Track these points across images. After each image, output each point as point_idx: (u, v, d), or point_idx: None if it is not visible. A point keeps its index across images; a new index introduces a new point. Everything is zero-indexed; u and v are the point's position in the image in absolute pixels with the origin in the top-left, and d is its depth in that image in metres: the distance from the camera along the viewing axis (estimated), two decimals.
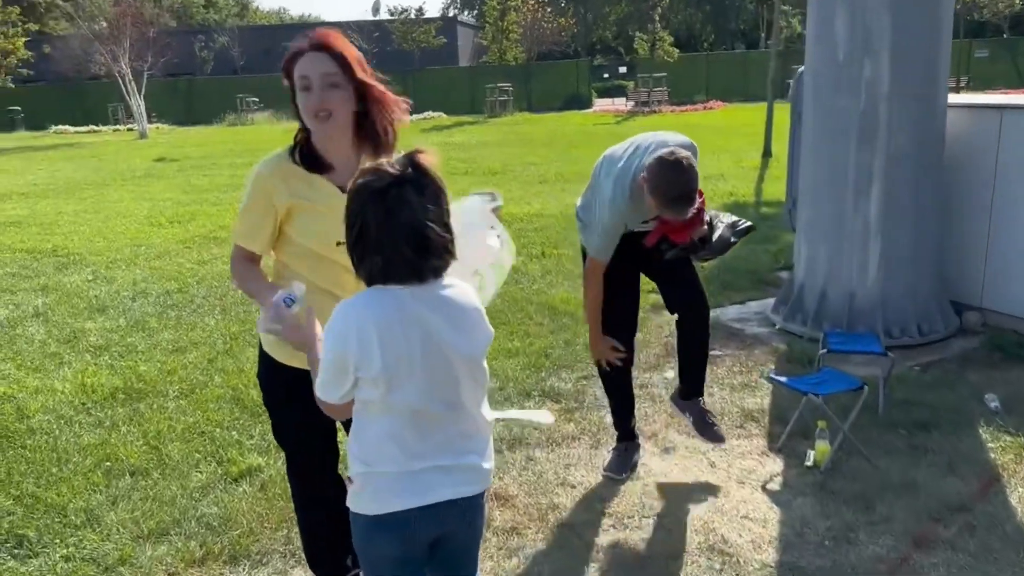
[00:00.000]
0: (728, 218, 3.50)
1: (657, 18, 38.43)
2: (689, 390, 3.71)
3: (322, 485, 2.47)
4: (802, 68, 5.43)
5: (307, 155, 2.20)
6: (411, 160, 1.68)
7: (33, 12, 38.92)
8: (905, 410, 4.04)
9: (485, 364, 1.80)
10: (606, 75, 48.78)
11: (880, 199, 4.94)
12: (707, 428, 3.60)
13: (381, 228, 1.64)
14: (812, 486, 3.40)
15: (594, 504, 3.31)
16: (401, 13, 39.57)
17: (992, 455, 3.60)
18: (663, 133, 3.27)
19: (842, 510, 3.20)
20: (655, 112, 28.55)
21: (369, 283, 1.70)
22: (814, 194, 5.31)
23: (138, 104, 27.92)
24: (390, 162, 1.69)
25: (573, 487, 3.44)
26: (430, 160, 1.69)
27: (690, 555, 2.96)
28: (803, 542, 3.01)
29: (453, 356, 1.73)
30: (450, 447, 1.77)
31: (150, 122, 29.30)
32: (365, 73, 2.17)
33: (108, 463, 3.63)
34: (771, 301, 5.75)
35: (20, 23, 24.78)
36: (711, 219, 3.42)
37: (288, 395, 2.29)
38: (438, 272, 1.72)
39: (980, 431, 3.82)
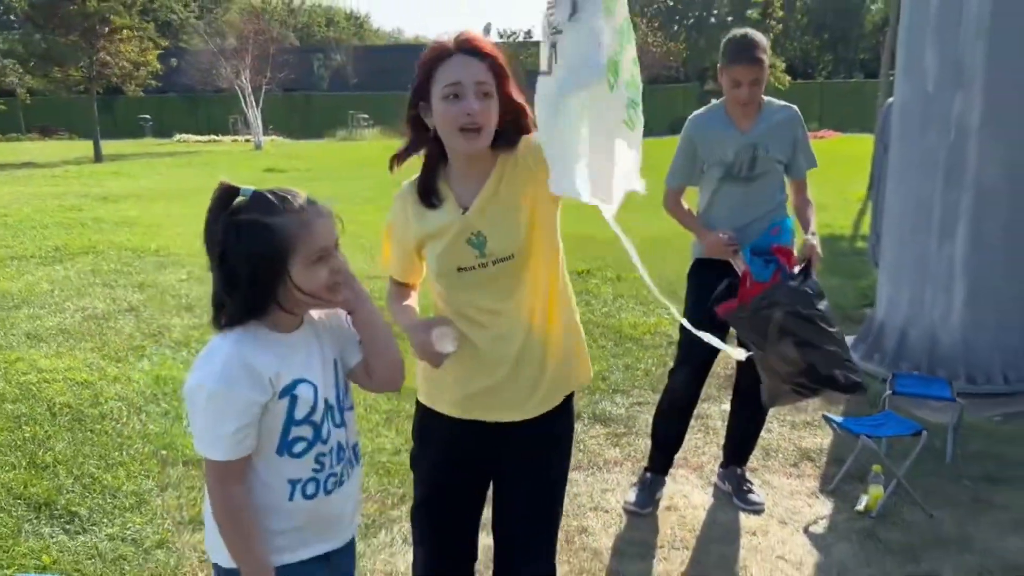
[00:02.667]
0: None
1: (768, 45, 37.66)
2: (729, 459, 3.61)
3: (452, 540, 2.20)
4: (890, 100, 5.23)
5: (428, 188, 1.98)
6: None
7: (169, 28, 41.58)
8: (976, 461, 3.80)
9: None
10: (715, 100, 47.92)
11: (967, 239, 4.70)
12: (744, 495, 3.48)
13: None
14: (858, 532, 3.24)
15: (625, 532, 3.25)
16: (510, 36, 40.08)
17: None
18: None
19: (885, 560, 3.04)
20: None
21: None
22: (898, 231, 5.08)
23: (255, 116, 29.36)
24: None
25: (606, 511, 3.39)
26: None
27: None
28: None
29: None
30: None
31: (266, 134, 30.71)
32: (514, 86, 1.92)
33: (165, 451, 3.81)
34: (852, 339, 5.52)
35: (152, 39, 26.44)
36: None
37: (423, 435, 2.18)
38: None
39: None
